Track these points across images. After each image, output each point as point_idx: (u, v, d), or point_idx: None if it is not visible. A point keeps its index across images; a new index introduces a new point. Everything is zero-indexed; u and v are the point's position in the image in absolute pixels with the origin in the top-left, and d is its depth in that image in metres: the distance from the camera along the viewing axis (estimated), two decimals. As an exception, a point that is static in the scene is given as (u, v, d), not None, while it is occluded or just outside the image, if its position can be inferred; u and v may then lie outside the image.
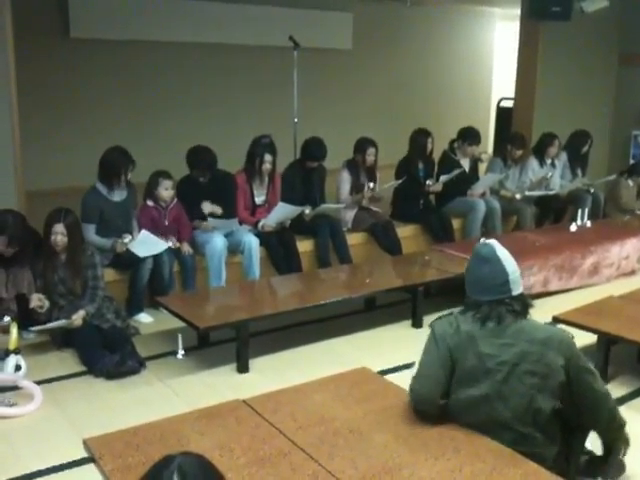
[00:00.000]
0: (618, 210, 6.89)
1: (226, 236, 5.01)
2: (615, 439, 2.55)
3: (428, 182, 6.11)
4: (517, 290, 2.47)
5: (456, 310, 2.57)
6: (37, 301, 3.98)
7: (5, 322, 3.72)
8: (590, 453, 2.67)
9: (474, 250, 2.56)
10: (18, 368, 3.61)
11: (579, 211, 6.20)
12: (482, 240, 2.63)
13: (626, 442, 2.54)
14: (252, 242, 5.02)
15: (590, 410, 2.43)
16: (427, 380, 2.47)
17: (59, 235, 4.03)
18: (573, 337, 2.49)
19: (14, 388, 3.52)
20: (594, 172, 7.34)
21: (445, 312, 2.61)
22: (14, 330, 3.67)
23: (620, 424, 2.50)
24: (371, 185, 5.84)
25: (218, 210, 5.09)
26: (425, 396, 2.49)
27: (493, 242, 2.54)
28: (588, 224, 6.11)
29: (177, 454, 1.48)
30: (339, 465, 2.25)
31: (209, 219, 5.03)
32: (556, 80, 7.64)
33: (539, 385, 2.34)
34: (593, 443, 2.77)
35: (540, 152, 6.76)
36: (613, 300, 4.20)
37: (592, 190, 6.89)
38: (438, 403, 2.47)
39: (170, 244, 4.75)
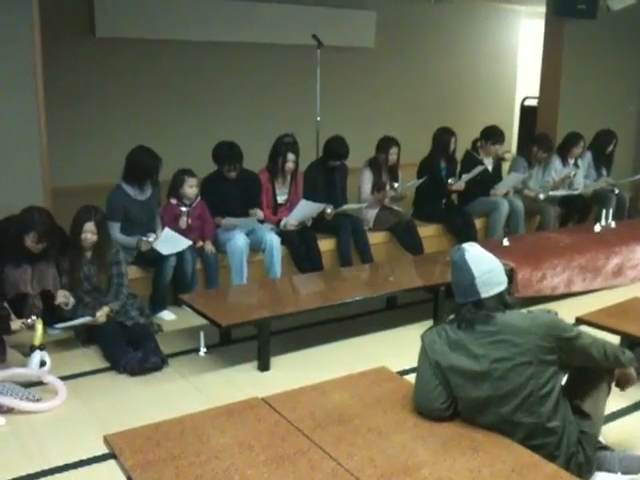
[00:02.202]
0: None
1: (248, 234, 5.04)
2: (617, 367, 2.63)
3: (450, 180, 6.09)
4: (490, 291, 2.47)
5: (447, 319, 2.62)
6: (62, 298, 4.04)
7: (31, 322, 3.78)
8: (606, 447, 2.67)
9: (450, 255, 2.58)
10: (43, 364, 3.67)
11: (603, 211, 6.14)
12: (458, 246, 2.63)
13: (622, 365, 2.61)
14: (274, 241, 5.05)
15: (587, 362, 2.52)
16: (424, 390, 2.55)
17: (89, 233, 4.09)
18: (556, 313, 2.54)
19: (39, 383, 3.57)
20: (619, 172, 7.26)
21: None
22: (39, 326, 3.72)
23: (615, 355, 2.55)
24: (395, 185, 5.84)
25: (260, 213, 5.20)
26: (425, 405, 2.55)
27: (466, 246, 2.54)
28: (612, 224, 6.05)
29: None
30: (358, 464, 2.26)
31: (227, 218, 5.06)
32: (581, 79, 7.56)
33: (537, 373, 2.36)
34: (606, 437, 2.78)
35: (564, 151, 6.70)
36: (637, 302, 4.15)
37: (617, 190, 6.81)
38: (441, 408, 2.51)
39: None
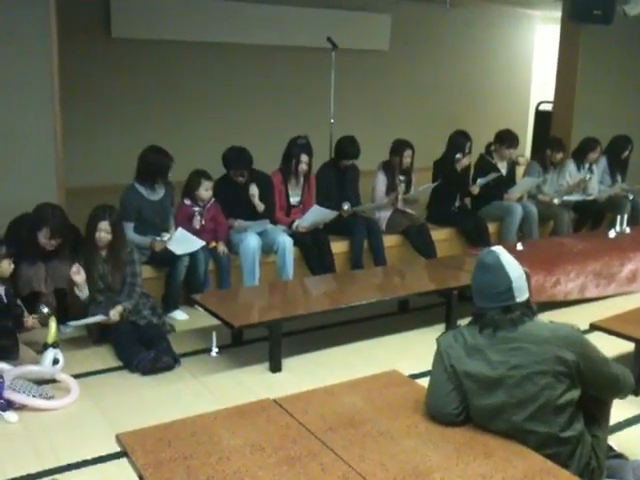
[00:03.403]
0: None
1: (260, 236, 5.04)
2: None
3: (458, 155, 6.02)
4: (522, 296, 2.45)
5: (463, 323, 2.61)
6: (76, 270, 4.00)
7: (43, 313, 3.80)
8: (619, 455, 2.65)
9: (478, 258, 2.55)
10: (56, 362, 3.68)
11: (618, 217, 6.09)
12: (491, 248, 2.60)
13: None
14: (286, 242, 5.05)
15: (608, 391, 2.49)
16: (437, 395, 2.53)
17: (103, 232, 4.11)
18: (579, 329, 2.49)
19: (52, 381, 3.59)
20: (634, 178, 7.21)
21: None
22: (53, 324, 3.74)
23: (631, 386, 2.54)
24: (406, 193, 5.82)
25: (261, 206, 5.12)
26: (438, 410, 2.53)
27: (498, 249, 2.52)
28: (627, 230, 6.00)
29: None
30: (369, 467, 2.25)
31: (239, 220, 5.06)
32: (596, 84, 7.52)
33: (553, 383, 2.33)
34: (619, 444, 2.76)
35: (580, 156, 6.67)
36: (651, 308, 4.12)
37: (631, 196, 6.77)
38: (453, 413, 2.49)
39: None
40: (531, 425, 2.36)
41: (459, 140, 6.12)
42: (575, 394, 2.36)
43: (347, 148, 5.57)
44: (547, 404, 2.33)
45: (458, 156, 6.02)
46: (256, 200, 5.10)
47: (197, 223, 4.85)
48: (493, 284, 2.45)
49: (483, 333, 2.44)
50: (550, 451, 2.35)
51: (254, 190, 5.10)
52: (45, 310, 3.83)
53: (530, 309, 2.46)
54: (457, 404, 2.49)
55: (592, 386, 2.41)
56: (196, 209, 4.88)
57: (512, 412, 2.38)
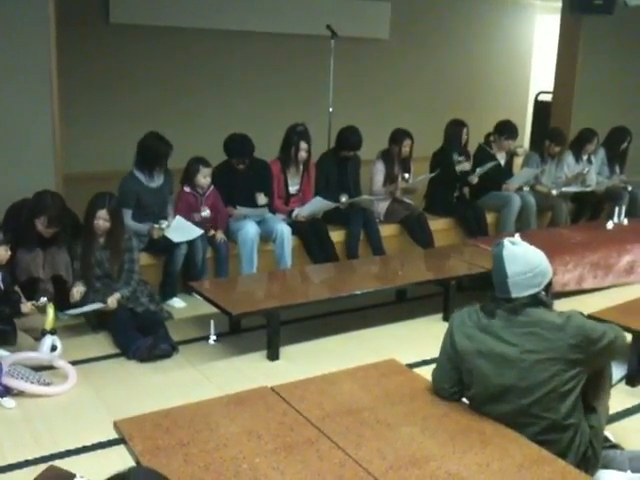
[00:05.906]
0: None
1: (259, 224, 5.04)
2: None
3: (456, 158, 6.02)
4: (520, 293, 2.44)
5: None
6: (77, 294, 4.06)
7: (41, 302, 3.80)
8: (616, 446, 2.67)
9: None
10: (54, 348, 3.69)
11: (616, 208, 6.10)
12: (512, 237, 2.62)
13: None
14: (284, 231, 5.05)
15: (607, 360, 2.58)
16: (439, 368, 2.66)
17: (101, 220, 4.10)
18: (583, 314, 2.53)
19: (50, 367, 3.60)
20: (633, 169, 7.22)
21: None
22: (51, 311, 3.75)
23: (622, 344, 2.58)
24: (406, 176, 5.82)
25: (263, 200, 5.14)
26: (436, 383, 2.67)
27: (508, 241, 2.53)
28: (625, 222, 6.02)
29: (128, 470, 1.46)
30: (366, 455, 2.26)
31: (239, 207, 5.06)
32: (596, 75, 7.51)
33: (563, 371, 2.35)
34: (615, 435, 2.78)
35: (577, 147, 6.67)
36: (648, 300, 4.13)
37: (630, 187, 6.78)
38: (447, 390, 2.61)
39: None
40: (535, 410, 2.38)
41: (455, 130, 6.10)
42: (581, 381, 2.39)
43: (349, 139, 5.55)
44: (554, 390, 2.36)
45: (460, 159, 6.03)
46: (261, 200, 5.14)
47: (198, 217, 4.85)
48: (494, 275, 2.52)
49: (487, 315, 2.48)
50: (551, 437, 2.37)
51: (262, 200, 5.13)
52: (43, 299, 3.83)
53: (535, 303, 2.45)
54: (452, 383, 2.59)
55: (599, 363, 2.50)
56: (204, 214, 4.87)
57: (519, 395, 2.39)
